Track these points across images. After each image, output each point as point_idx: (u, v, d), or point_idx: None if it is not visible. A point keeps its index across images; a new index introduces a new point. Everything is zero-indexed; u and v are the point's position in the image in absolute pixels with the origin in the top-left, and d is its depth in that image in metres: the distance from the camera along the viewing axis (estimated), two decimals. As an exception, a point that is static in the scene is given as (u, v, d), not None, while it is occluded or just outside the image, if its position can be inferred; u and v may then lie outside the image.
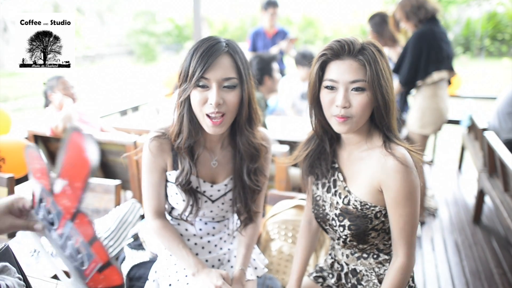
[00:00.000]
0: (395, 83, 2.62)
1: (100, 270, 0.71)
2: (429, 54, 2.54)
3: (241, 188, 1.22)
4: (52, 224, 0.74)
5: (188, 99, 1.09)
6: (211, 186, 1.22)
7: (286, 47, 3.92)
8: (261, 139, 1.22)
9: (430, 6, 2.51)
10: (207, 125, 1.08)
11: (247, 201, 1.23)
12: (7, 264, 0.90)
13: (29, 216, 0.79)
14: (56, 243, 0.76)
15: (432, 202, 3.17)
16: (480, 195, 2.83)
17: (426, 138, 2.78)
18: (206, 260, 1.28)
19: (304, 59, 3.48)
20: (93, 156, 0.65)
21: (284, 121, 3.16)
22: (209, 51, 1.03)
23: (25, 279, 0.93)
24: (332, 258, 1.29)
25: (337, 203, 1.14)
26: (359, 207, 1.09)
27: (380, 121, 1.05)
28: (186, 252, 1.18)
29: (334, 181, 1.17)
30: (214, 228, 1.30)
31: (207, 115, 1.06)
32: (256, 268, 1.34)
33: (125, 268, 1.37)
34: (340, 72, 1.02)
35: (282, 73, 3.89)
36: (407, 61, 2.55)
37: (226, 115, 1.07)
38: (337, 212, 1.13)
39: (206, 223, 1.30)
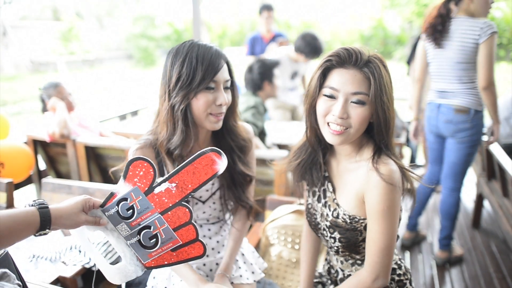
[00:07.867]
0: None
1: (177, 249, 0.90)
2: None
3: (231, 182, 1.25)
4: (127, 218, 0.90)
5: (188, 104, 1.11)
6: None
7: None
8: (245, 132, 1.30)
9: None
10: (210, 121, 1.14)
11: (239, 195, 1.26)
12: (7, 270, 0.90)
13: (91, 213, 0.90)
14: (118, 234, 0.92)
15: None
16: (479, 199, 2.83)
17: None
18: (204, 264, 1.29)
19: (308, 49, 3.33)
20: (221, 170, 0.85)
21: (283, 126, 3.17)
22: (213, 55, 1.09)
23: (24, 285, 0.93)
24: (328, 263, 1.29)
25: (327, 215, 1.12)
26: (348, 221, 1.07)
27: (379, 138, 1.02)
28: (186, 269, 1.16)
29: (324, 191, 1.15)
30: (209, 230, 1.31)
31: (210, 113, 1.13)
32: (253, 272, 1.34)
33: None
34: (343, 81, 0.97)
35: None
36: None
37: (225, 112, 1.17)
38: (327, 224, 1.12)
39: (201, 226, 1.31)
